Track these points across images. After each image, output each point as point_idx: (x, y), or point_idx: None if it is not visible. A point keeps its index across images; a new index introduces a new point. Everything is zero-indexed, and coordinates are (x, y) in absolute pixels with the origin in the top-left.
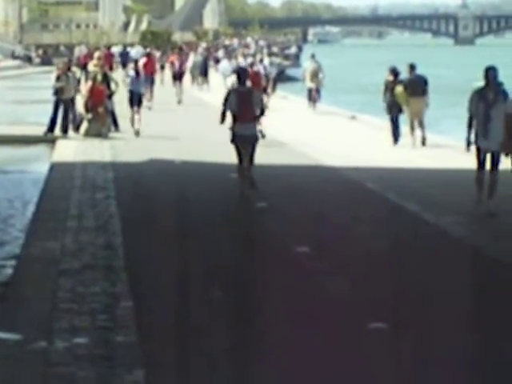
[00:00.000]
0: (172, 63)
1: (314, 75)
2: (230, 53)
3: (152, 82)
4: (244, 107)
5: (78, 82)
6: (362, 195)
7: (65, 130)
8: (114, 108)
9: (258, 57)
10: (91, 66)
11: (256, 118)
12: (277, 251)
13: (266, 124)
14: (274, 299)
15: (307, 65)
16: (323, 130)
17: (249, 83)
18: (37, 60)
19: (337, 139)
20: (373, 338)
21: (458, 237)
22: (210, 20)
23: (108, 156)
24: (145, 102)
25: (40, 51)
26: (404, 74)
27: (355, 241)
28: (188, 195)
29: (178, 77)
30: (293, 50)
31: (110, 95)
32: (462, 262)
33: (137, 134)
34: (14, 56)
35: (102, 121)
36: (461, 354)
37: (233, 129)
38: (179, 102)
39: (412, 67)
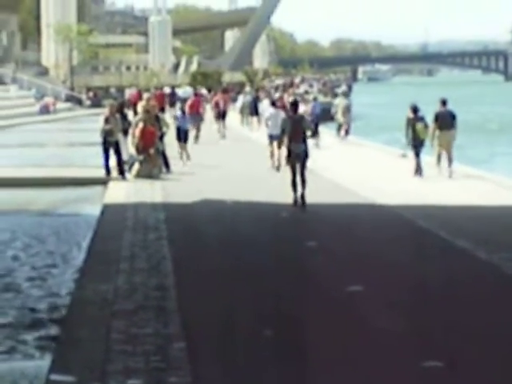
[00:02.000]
0: (216, 104)
1: (346, 111)
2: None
3: (201, 120)
4: (296, 131)
5: (129, 123)
6: (413, 233)
7: (121, 172)
8: (165, 149)
9: (311, 96)
10: (140, 107)
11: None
12: (328, 290)
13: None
14: (327, 340)
15: (338, 101)
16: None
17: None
18: (87, 102)
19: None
20: (429, 376)
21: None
22: (260, 60)
23: (159, 197)
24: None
25: (90, 93)
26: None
27: (408, 279)
28: (239, 236)
29: (221, 116)
30: (343, 88)
31: (161, 136)
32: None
33: (184, 164)
34: (65, 99)
35: (154, 162)
36: None
37: (288, 147)
38: (223, 137)
39: (443, 102)
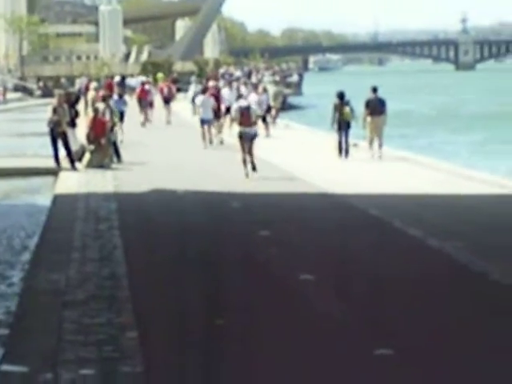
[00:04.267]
0: (161, 90)
1: (276, 97)
2: (230, 82)
3: (150, 105)
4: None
5: (77, 113)
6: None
7: (71, 162)
8: (116, 139)
9: (261, 86)
10: (89, 96)
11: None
12: (280, 279)
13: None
14: (277, 328)
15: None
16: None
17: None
18: (38, 92)
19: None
20: (378, 363)
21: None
22: (211, 49)
23: (110, 187)
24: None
25: (41, 83)
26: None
27: (359, 268)
28: (191, 225)
29: (167, 101)
30: (294, 78)
31: (112, 126)
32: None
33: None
34: (15, 89)
35: (105, 152)
36: None
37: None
38: (168, 122)
39: (374, 90)
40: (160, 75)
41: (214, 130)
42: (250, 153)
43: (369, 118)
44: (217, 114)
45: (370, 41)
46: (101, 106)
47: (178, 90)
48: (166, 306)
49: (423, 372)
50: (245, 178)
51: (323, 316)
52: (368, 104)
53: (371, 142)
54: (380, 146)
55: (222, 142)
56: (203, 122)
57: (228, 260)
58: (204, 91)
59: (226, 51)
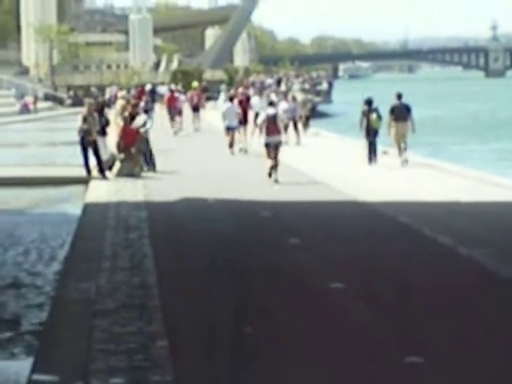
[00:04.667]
0: (191, 99)
1: (303, 105)
2: (261, 90)
3: (179, 113)
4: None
5: (107, 122)
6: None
7: (101, 171)
8: (151, 147)
9: (291, 94)
10: (118, 106)
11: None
12: (310, 287)
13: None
14: (307, 334)
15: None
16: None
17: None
18: (68, 101)
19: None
20: (409, 371)
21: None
22: (241, 57)
23: (141, 196)
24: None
25: (71, 92)
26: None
27: (390, 276)
28: (221, 234)
29: (196, 109)
30: (324, 85)
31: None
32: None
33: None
34: (45, 98)
35: (135, 161)
36: None
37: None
38: (196, 130)
39: (399, 96)
40: (195, 84)
41: (238, 136)
42: (276, 160)
43: (394, 125)
44: (242, 121)
45: (400, 48)
46: (142, 117)
47: (208, 98)
48: (196, 315)
49: (453, 380)
50: (273, 186)
51: (353, 324)
52: (393, 110)
53: (399, 148)
54: (405, 150)
55: (245, 151)
56: (228, 129)
57: (257, 268)
58: (231, 99)
59: (255, 59)
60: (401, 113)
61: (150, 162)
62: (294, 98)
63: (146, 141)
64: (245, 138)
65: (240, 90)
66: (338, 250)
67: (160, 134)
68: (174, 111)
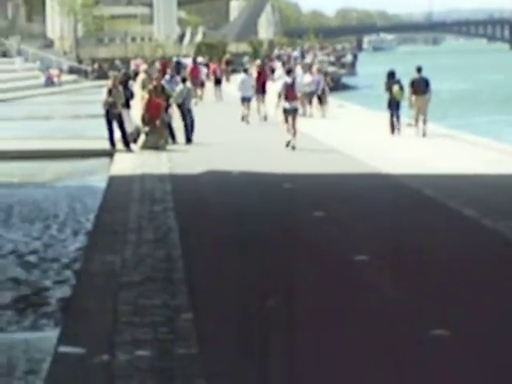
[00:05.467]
0: (214, 72)
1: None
2: (284, 63)
3: (202, 85)
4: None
5: (132, 95)
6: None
7: (126, 144)
8: (171, 120)
9: (315, 67)
10: (139, 79)
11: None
12: (335, 260)
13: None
14: (332, 308)
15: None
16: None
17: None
18: (93, 74)
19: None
20: (435, 343)
21: None
22: (265, 30)
23: (165, 168)
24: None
25: (95, 65)
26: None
27: (415, 249)
28: (245, 206)
29: (218, 81)
30: (348, 58)
31: (167, 108)
32: None
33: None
34: (70, 71)
35: (160, 133)
36: None
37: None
38: (219, 99)
39: (418, 70)
40: (227, 56)
41: (257, 106)
42: (294, 128)
43: (413, 97)
44: (258, 89)
45: (425, 20)
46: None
47: (233, 71)
48: (221, 288)
49: (479, 353)
50: (291, 152)
51: (379, 297)
52: (412, 84)
53: (417, 120)
54: (424, 122)
55: (265, 118)
56: (243, 99)
57: (282, 241)
58: (245, 70)
59: (280, 32)
60: (420, 86)
61: (171, 135)
62: (320, 70)
63: (188, 110)
64: (263, 106)
65: (257, 62)
66: (363, 222)
67: None
68: (195, 82)
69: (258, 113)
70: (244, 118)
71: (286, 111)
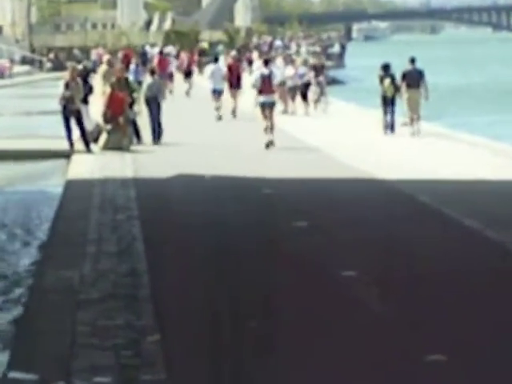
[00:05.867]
0: (182, 63)
1: None
2: (264, 54)
3: (170, 77)
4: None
5: (91, 89)
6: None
7: (86, 144)
8: (135, 117)
9: (301, 58)
10: (100, 72)
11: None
12: (319, 276)
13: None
14: (318, 328)
15: None
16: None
17: None
18: (48, 65)
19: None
20: (430, 370)
21: None
22: (242, 16)
23: (130, 171)
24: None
25: (51, 55)
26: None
27: (409, 263)
28: (219, 215)
29: (187, 74)
30: (336, 48)
31: (132, 103)
32: None
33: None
34: (22, 61)
35: (123, 132)
36: None
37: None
38: (187, 94)
39: (412, 61)
40: (204, 45)
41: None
42: (271, 123)
43: (405, 91)
44: (232, 83)
45: (422, 6)
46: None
47: (208, 63)
48: (191, 307)
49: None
50: (270, 149)
51: (369, 318)
52: (405, 76)
53: (411, 118)
54: (417, 119)
55: (234, 114)
56: (214, 92)
57: (260, 254)
58: (216, 59)
59: (259, 19)
60: (413, 79)
61: (135, 133)
62: (305, 62)
63: (158, 106)
64: (235, 101)
65: (232, 53)
66: (351, 233)
67: None
68: (163, 76)
69: (231, 109)
70: (217, 113)
71: (262, 105)
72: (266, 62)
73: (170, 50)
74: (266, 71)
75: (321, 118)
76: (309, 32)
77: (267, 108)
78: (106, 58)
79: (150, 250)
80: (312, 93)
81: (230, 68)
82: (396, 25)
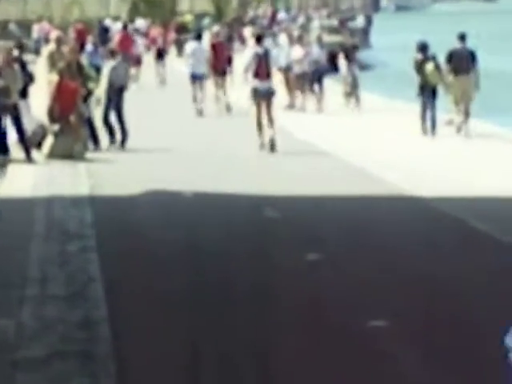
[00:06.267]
0: (153, 40)
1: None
2: (264, 30)
3: (137, 62)
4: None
5: (31, 78)
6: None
7: (26, 150)
8: (91, 115)
9: (314, 34)
10: (45, 51)
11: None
12: (337, 327)
13: None
14: None
15: None
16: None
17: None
18: None
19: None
20: None
21: None
22: None
23: (84, 187)
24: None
25: None
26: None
27: (451, 316)
28: (203, 245)
29: (160, 55)
30: (359, 21)
31: (87, 96)
32: None
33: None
34: None
35: (76, 134)
36: None
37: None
38: (162, 82)
39: (461, 37)
40: (188, 18)
41: (216, 91)
42: (269, 117)
43: (452, 78)
44: (218, 68)
45: None
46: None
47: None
48: (165, 368)
49: None
50: (272, 160)
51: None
52: (451, 57)
53: (458, 112)
54: (466, 116)
55: (228, 108)
56: (194, 77)
57: (259, 299)
58: (198, 36)
59: None
60: (462, 62)
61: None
62: (320, 40)
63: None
64: (224, 90)
65: (215, 28)
66: (378, 270)
67: None
68: (128, 57)
69: (216, 101)
70: (196, 107)
71: (256, 94)
72: (259, 39)
73: (140, 24)
74: (260, 50)
75: (340, 115)
76: (322, 1)
77: (263, 98)
78: (54, 34)
79: (111, 293)
80: (344, 84)
81: (213, 48)
82: None
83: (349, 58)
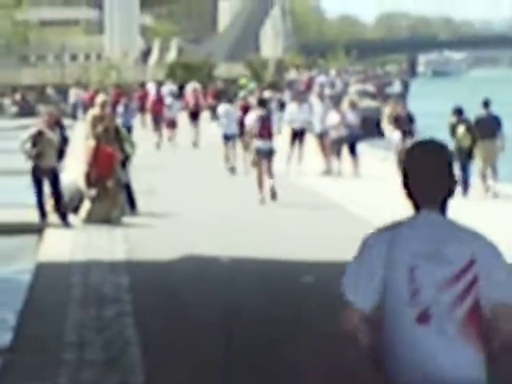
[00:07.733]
0: (186, 104)
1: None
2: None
3: (172, 125)
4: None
5: (66, 141)
6: None
7: (62, 215)
8: (129, 180)
9: (348, 100)
10: (89, 117)
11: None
12: None
13: None
14: None
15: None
16: None
17: None
18: (12, 109)
19: None
20: None
21: None
22: (272, 45)
23: (121, 252)
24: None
25: (17, 96)
26: None
27: None
28: (241, 312)
29: (194, 116)
30: (396, 87)
31: (125, 160)
32: None
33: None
34: None
35: (113, 199)
36: None
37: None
38: (194, 145)
39: (485, 104)
40: (243, 81)
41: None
42: (270, 172)
43: (479, 142)
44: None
45: (510, 31)
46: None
47: None
48: None
49: None
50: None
51: None
52: (477, 123)
53: (484, 175)
54: (493, 178)
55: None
56: (227, 137)
57: (303, 374)
58: (230, 100)
59: (293, 47)
60: (487, 127)
61: (129, 200)
62: (354, 105)
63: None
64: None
65: (241, 93)
66: None
67: (142, 153)
68: (158, 119)
69: (244, 162)
70: (228, 165)
71: (259, 152)
72: (262, 103)
73: (171, 88)
74: (263, 112)
75: (376, 180)
76: (359, 65)
77: (264, 156)
78: (100, 98)
79: (148, 358)
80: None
81: (243, 109)
82: (475, 56)
83: (403, 130)
